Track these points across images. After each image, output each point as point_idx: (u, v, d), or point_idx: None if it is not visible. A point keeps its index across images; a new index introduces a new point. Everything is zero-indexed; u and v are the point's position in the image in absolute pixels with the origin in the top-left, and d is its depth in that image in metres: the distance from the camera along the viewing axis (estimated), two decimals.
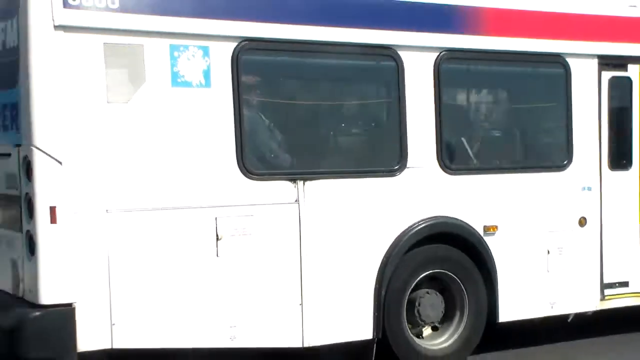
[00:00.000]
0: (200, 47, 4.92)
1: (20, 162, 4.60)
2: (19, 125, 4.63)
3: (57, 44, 4.51)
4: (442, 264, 5.79)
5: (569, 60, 6.20)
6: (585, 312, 6.45)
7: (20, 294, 4.73)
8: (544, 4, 6.14)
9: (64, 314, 4.53)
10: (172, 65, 4.85)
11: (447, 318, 5.89)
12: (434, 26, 5.61)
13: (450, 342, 5.87)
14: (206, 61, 4.95)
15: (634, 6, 6.62)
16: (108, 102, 4.70)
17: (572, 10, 6.23)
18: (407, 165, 5.62)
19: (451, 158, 5.85)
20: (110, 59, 4.68)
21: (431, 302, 5.79)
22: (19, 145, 4.63)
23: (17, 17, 4.51)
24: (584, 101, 6.34)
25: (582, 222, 6.38)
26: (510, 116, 6.47)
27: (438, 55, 5.65)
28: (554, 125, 6.43)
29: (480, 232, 5.90)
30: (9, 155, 4.75)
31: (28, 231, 4.60)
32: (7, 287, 4.91)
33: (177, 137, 4.89)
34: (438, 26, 5.65)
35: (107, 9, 4.63)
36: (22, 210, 4.62)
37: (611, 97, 6.46)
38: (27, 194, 4.57)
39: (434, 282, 5.81)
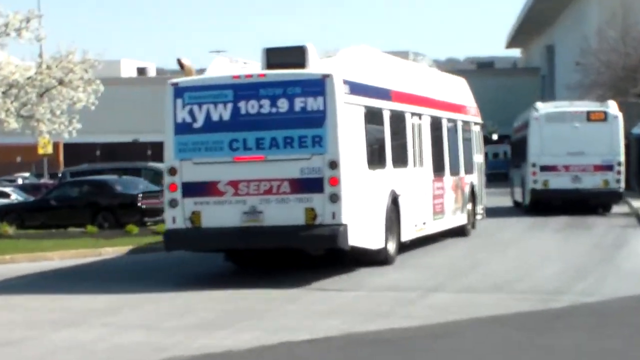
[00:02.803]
0: (360, 109, 16.75)
1: (325, 162, 15.36)
2: (323, 144, 15.43)
3: (344, 109, 15.67)
4: (393, 210, 17.81)
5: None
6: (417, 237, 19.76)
7: (316, 223, 15.35)
8: (429, 93, 21.40)
9: (346, 228, 15.38)
10: (366, 120, 17.00)
11: (388, 238, 17.41)
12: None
13: (393, 247, 17.63)
14: (363, 116, 16.85)
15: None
16: (351, 132, 16.12)
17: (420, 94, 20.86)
18: (386, 165, 17.92)
19: (385, 161, 17.85)
20: (349, 114, 16.00)
21: None
22: (322, 154, 15.43)
23: (325, 97, 15.50)
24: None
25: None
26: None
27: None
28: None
29: (397, 195, 18.02)
30: (308, 159, 15.42)
31: (331, 192, 15.27)
32: (297, 221, 15.42)
33: (359, 149, 16.65)
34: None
35: (347, 93, 16.03)
36: (325, 182, 15.32)
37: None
38: (331, 177, 15.30)
39: None
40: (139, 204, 26.24)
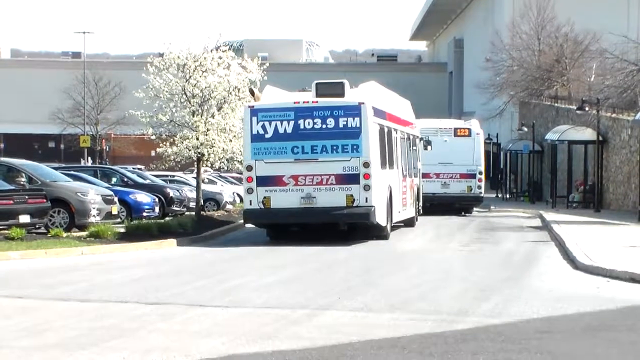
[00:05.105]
0: (377, 126, 27.00)
1: (360, 162, 25.65)
2: (359, 150, 25.69)
3: (371, 126, 26.13)
4: (389, 199, 27.91)
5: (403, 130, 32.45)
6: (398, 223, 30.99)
7: (354, 205, 25.67)
8: (399, 114, 32.03)
9: (373, 209, 25.78)
10: (379, 134, 27.32)
11: (388, 220, 27.53)
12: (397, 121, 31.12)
13: (389, 227, 27.81)
14: (378, 131, 27.03)
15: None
16: (375, 142, 26.46)
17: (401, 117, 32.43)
18: (386, 167, 28.03)
19: (386, 163, 27.97)
20: (373, 130, 26.56)
21: None
22: (358, 157, 25.68)
23: (360, 118, 25.77)
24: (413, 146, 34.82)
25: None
26: (400, 150, 31.13)
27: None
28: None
29: (391, 189, 28.29)
30: (348, 160, 25.70)
31: (365, 184, 25.58)
32: (340, 204, 25.77)
33: (377, 154, 26.89)
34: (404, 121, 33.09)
35: (373, 115, 26.46)
36: (361, 177, 25.56)
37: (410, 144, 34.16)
38: (365, 173, 25.59)
39: None
40: None
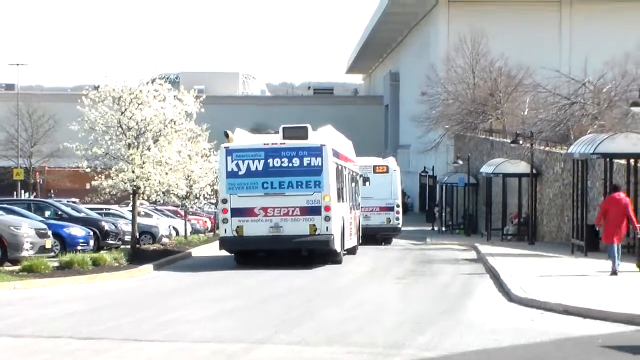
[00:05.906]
0: (334, 165, 30.48)
1: (322, 196, 29.44)
2: (321, 186, 29.49)
3: (331, 165, 29.98)
4: (342, 229, 31.34)
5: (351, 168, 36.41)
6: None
7: (315, 234, 29.38)
8: (346, 153, 35.37)
9: (332, 237, 29.51)
10: (336, 171, 30.81)
11: (341, 246, 31.30)
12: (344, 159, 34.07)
13: (343, 253, 31.54)
14: (335, 169, 30.50)
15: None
16: (333, 179, 30.24)
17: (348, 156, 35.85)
18: (340, 200, 31.39)
19: (340, 197, 31.61)
20: (332, 168, 29.94)
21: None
22: (320, 192, 29.46)
23: (322, 158, 29.58)
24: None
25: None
26: (348, 186, 34.63)
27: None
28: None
29: (344, 220, 31.89)
30: (311, 194, 29.46)
31: (325, 215, 29.38)
32: (304, 232, 29.34)
33: (335, 190, 30.46)
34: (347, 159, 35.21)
35: (332, 155, 30.27)
36: (322, 209, 29.37)
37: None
38: (326, 206, 29.39)
39: None
40: None
